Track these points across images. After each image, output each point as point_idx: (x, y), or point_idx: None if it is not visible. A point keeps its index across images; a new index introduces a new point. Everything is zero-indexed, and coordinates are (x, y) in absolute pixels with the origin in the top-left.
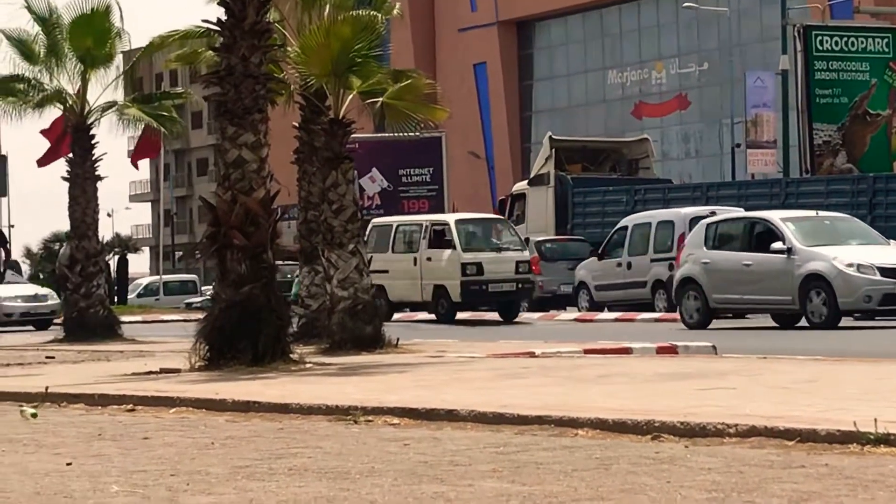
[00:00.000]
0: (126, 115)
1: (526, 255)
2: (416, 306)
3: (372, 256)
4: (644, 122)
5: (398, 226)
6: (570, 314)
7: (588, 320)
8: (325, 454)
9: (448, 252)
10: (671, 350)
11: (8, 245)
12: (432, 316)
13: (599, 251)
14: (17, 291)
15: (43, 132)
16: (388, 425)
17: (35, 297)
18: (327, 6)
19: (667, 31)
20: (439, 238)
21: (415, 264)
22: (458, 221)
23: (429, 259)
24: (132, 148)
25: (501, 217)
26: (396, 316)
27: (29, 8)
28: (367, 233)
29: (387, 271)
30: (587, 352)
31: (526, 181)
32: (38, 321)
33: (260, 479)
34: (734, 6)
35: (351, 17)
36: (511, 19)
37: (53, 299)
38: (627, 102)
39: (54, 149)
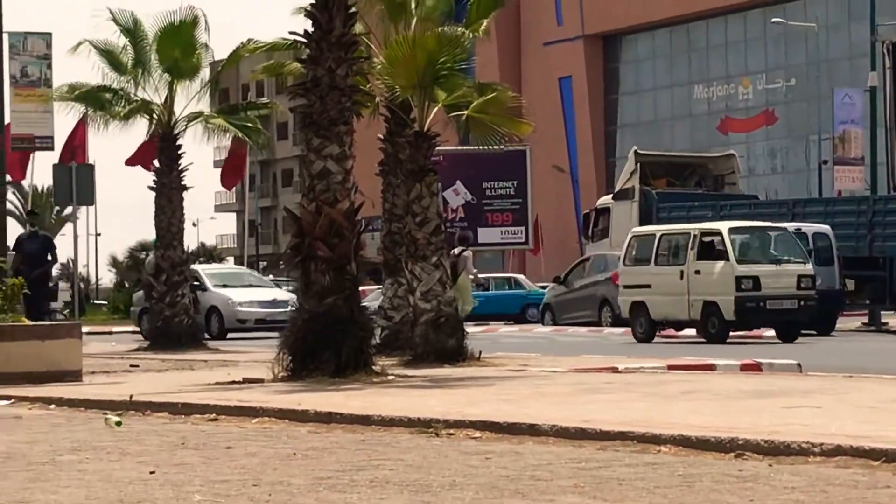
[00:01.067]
0: (212, 126)
1: (809, 268)
2: (681, 325)
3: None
4: (730, 138)
5: (662, 235)
6: None
7: (672, 336)
8: (406, 467)
9: (720, 264)
10: (755, 367)
11: (55, 250)
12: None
13: None
14: (253, 295)
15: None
16: (470, 438)
17: (273, 303)
18: (413, 19)
19: (754, 46)
20: (709, 249)
21: (681, 278)
22: (731, 230)
23: (697, 272)
24: (221, 166)
25: (781, 226)
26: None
27: (115, 20)
28: (626, 243)
29: (649, 286)
30: (670, 367)
31: (610, 195)
32: (278, 328)
33: (341, 490)
34: (822, 21)
35: (438, 30)
36: (597, 33)
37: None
38: (714, 117)
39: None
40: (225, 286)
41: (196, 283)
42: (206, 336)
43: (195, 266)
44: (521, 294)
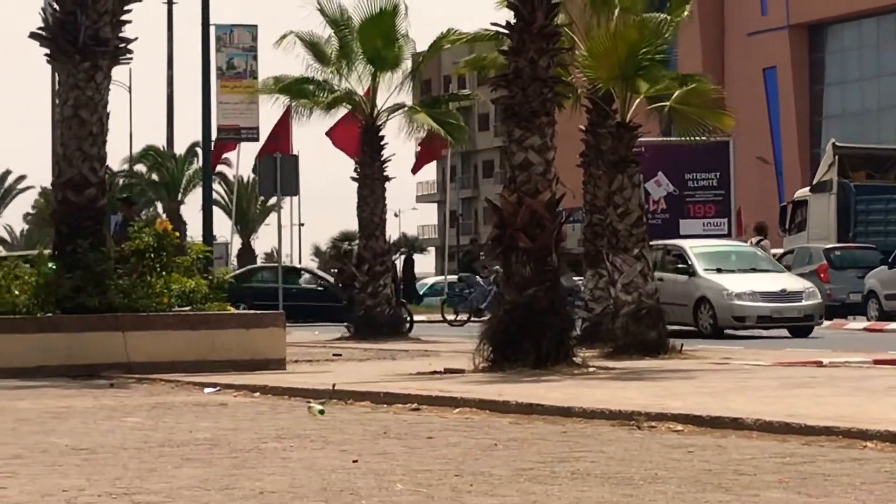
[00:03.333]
0: (414, 121)
1: None
2: None
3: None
4: None
5: None
6: (860, 323)
7: (878, 330)
8: (607, 459)
9: None
10: None
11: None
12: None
13: (890, 260)
14: (755, 284)
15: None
16: (672, 432)
17: (782, 295)
18: (616, 9)
19: None
20: None
21: None
22: None
23: None
24: (416, 154)
25: None
26: None
27: (322, 11)
28: None
29: None
30: (877, 362)
31: (808, 188)
32: (792, 327)
33: (542, 482)
34: None
35: (639, 21)
36: (802, 23)
37: (813, 298)
38: None
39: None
40: (719, 270)
41: (682, 265)
42: (705, 331)
43: (679, 242)
44: None
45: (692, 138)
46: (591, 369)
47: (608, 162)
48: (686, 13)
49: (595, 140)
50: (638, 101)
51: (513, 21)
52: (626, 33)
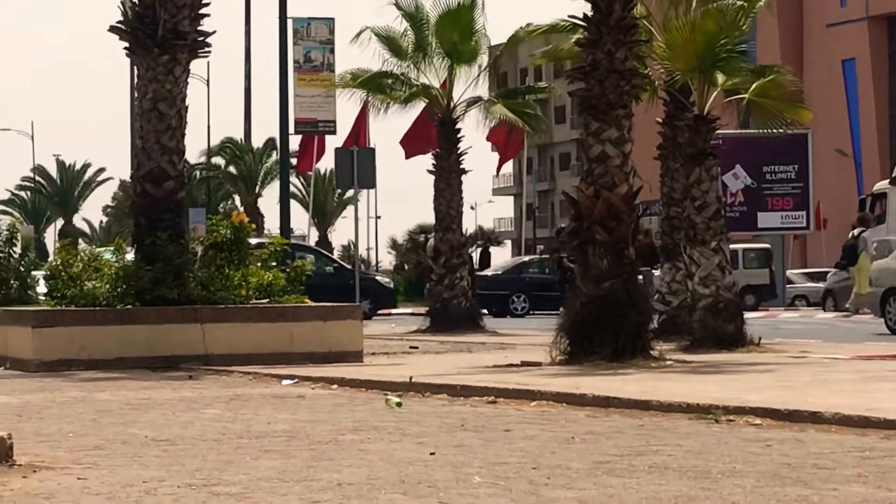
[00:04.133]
0: (491, 113)
1: None
2: None
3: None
4: None
5: None
6: None
7: None
8: (685, 452)
9: None
10: None
11: None
12: None
13: None
14: None
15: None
16: (750, 425)
17: None
18: (694, 0)
19: None
20: None
21: None
22: None
23: None
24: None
25: None
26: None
27: (397, 4)
28: None
29: None
30: None
31: (887, 180)
32: None
33: (620, 475)
34: None
35: (716, 11)
36: (881, 14)
37: None
38: None
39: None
40: None
41: None
42: None
43: None
44: None
45: (770, 131)
46: (668, 362)
47: (686, 154)
48: (763, 0)
49: (672, 132)
50: (716, 93)
51: (590, 13)
52: (705, 24)
